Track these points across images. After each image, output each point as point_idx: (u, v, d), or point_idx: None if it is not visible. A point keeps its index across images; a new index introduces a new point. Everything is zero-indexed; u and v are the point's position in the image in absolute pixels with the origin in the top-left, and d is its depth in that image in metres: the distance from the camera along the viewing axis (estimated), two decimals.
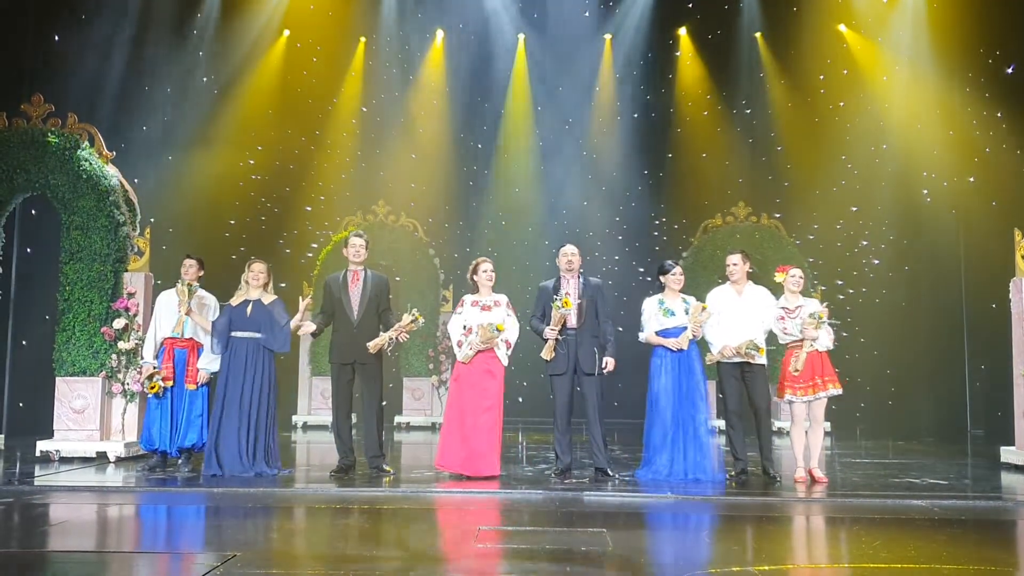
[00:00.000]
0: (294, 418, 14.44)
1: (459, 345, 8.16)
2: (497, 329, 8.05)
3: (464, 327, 8.16)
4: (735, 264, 8.33)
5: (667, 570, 5.13)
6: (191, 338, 8.58)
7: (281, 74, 16.20)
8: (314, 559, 5.41)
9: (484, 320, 8.12)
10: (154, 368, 8.49)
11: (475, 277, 8.34)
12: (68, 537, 5.96)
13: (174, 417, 8.46)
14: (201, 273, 8.80)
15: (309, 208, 16.10)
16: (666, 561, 5.46)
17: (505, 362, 8.20)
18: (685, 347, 8.02)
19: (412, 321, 8.10)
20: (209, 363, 8.46)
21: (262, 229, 15.60)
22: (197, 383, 8.46)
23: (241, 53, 15.70)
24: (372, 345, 8.16)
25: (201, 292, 8.72)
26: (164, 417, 8.45)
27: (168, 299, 8.70)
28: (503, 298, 8.33)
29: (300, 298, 8.77)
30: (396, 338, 8.22)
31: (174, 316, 8.57)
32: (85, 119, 10.02)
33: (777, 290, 8.36)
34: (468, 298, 8.33)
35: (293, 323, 8.30)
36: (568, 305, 7.85)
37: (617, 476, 8.08)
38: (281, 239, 15.62)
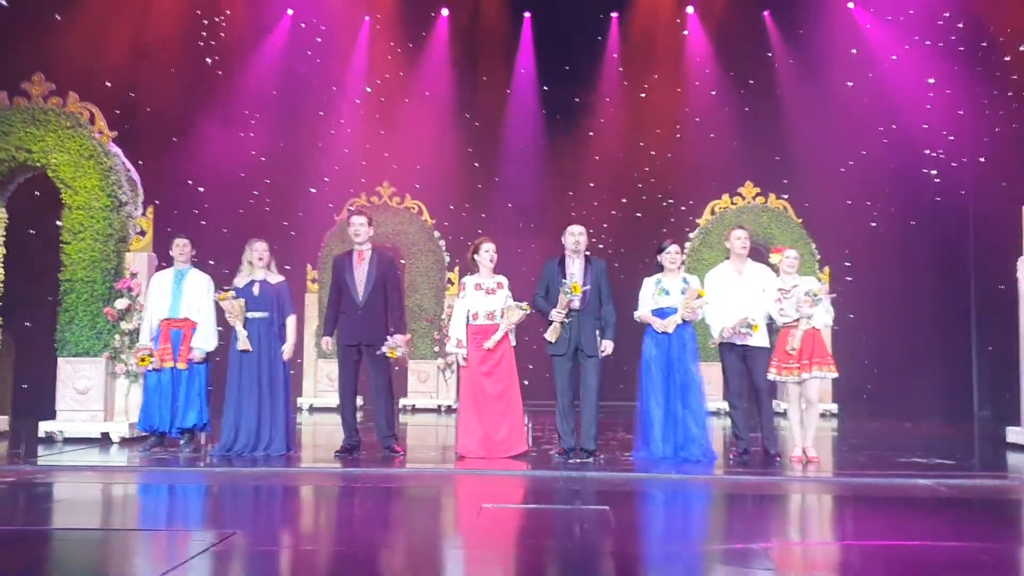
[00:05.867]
0: (300, 400, 14.38)
1: (459, 345, 8.13)
2: (523, 308, 8.04)
3: (469, 313, 8.14)
4: (741, 239, 8.20)
5: (670, 547, 5.07)
6: (186, 318, 8.43)
7: (285, 55, 16.11)
8: (314, 536, 5.38)
9: (487, 306, 8.10)
10: (149, 347, 8.42)
11: (476, 257, 8.25)
12: (69, 515, 5.93)
13: (174, 398, 8.36)
14: (194, 253, 8.70)
15: (314, 190, 16.06)
16: (669, 538, 5.42)
17: (514, 342, 8.20)
18: (670, 330, 7.87)
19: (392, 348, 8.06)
20: (204, 342, 8.40)
21: (267, 211, 15.55)
22: (189, 362, 8.34)
23: (244, 31, 15.62)
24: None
25: (195, 272, 8.62)
26: (164, 397, 8.35)
27: (162, 280, 8.58)
28: (504, 280, 8.28)
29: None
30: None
31: (168, 298, 8.45)
32: (87, 98, 9.95)
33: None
34: (469, 280, 8.26)
35: (287, 354, 8.27)
36: (577, 290, 7.75)
37: (602, 457, 7.98)
38: (286, 221, 15.57)
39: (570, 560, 4.60)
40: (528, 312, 8.09)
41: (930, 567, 4.40)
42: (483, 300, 8.12)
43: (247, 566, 4.47)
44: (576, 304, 7.84)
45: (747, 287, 8.05)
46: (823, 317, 7.85)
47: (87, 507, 6.28)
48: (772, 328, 8.11)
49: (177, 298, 8.45)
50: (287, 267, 13.65)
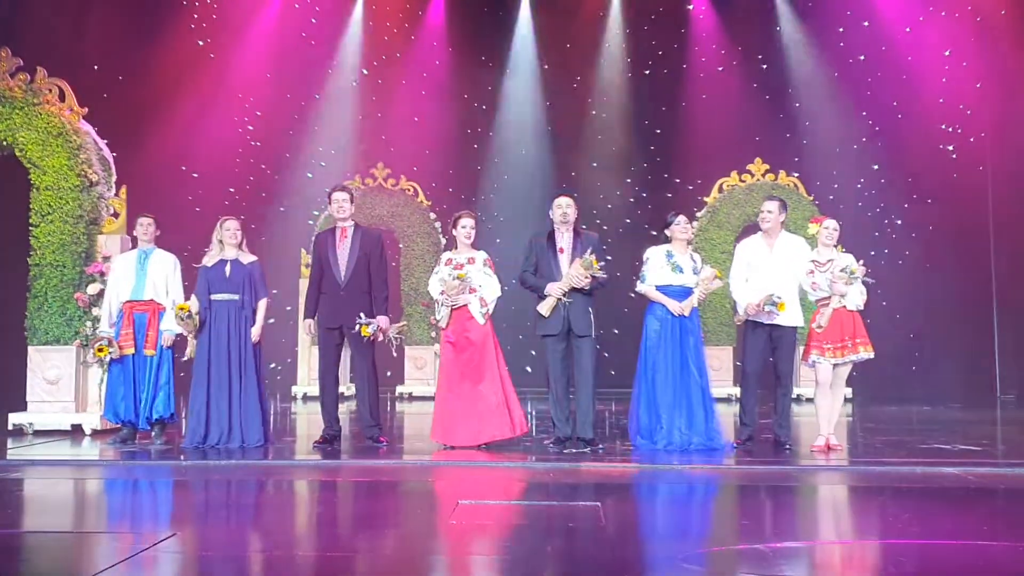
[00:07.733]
0: (293, 389, 13.94)
1: (437, 303, 7.66)
2: (458, 278, 7.48)
3: (440, 290, 7.67)
4: (769, 211, 7.56)
5: (664, 548, 4.50)
6: (151, 300, 7.90)
7: (279, 36, 15.62)
8: (258, 536, 4.82)
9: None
10: (108, 336, 7.89)
11: (454, 231, 7.77)
12: (18, 514, 5.44)
13: (137, 387, 7.83)
14: (158, 233, 8.16)
15: (310, 174, 15.58)
16: (664, 537, 4.84)
17: (482, 321, 7.59)
18: (687, 313, 7.35)
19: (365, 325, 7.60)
20: (173, 324, 7.85)
21: (262, 196, 15.09)
22: (158, 347, 7.80)
23: (236, 13, 15.13)
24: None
25: (160, 252, 8.07)
26: (128, 386, 7.82)
27: (124, 262, 8.08)
28: (481, 255, 7.72)
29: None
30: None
31: (132, 279, 7.93)
32: (65, 76, 9.43)
33: (811, 244, 7.67)
34: (444, 256, 7.83)
35: (254, 336, 7.72)
36: (596, 266, 7.16)
37: (601, 446, 7.42)
38: (283, 207, 15.11)
39: (544, 568, 4.03)
40: (466, 281, 7.52)
41: (970, 571, 3.82)
42: (451, 275, 7.61)
43: (190, 571, 3.94)
44: (585, 283, 7.25)
45: (778, 262, 7.47)
46: (855, 298, 7.26)
47: (39, 505, 5.83)
48: (804, 305, 7.55)
49: (141, 279, 7.92)
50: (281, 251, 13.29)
